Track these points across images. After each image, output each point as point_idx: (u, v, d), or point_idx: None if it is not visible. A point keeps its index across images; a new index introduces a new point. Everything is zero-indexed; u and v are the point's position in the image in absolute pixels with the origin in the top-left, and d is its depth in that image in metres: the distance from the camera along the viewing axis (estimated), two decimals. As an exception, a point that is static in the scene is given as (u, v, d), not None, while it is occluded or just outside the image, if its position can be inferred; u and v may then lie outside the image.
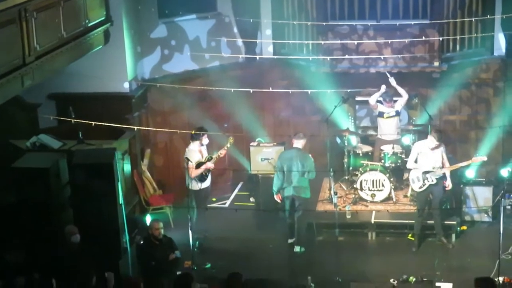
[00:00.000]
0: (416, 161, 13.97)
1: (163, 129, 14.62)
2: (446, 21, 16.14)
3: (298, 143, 14.06)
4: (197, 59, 16.55)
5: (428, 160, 13.82)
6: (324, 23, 16.20)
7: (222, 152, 14.28)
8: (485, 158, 14.08)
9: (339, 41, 15.92)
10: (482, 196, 14.85)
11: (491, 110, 16.95)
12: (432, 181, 13.82)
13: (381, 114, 15.76)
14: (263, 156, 15.64)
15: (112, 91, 14.94)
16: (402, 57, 16.19)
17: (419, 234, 14.19)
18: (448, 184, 13.97)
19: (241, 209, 15.02)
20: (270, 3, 17.12)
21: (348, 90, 15.35)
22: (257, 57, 16.68)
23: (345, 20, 16.39)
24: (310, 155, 14.10)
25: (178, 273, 11.59)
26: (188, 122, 15.78)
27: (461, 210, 14.87)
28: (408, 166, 14.11)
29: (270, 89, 14.67)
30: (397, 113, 15.75)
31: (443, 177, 13.92)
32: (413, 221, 14.32)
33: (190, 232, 13.32)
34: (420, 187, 13.92)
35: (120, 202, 12.80)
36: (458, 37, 16.41)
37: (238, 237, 14.74)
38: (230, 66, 16.82)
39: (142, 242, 12.77)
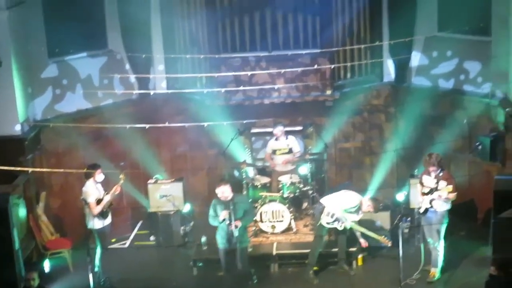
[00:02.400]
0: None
1: (57, 169, 14.26)
2: (336, 49, 16.39)
3: None
4: (90, 98, 16.35)
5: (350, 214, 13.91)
6: (216, 56, 16.22)
7: (118, 188, 14.12)
8: (390, 244, 14.15)
9: (231, 73, 15.86)
10: (380, 220, 15.02)
11: (384, 135, 17.28)
12: (340, 227, 13.86)
13: (274, 152, 15.92)
14: (162, 193, 15.54)
15: (3, 134, 14.57)
16: (295, 87, 16.37)
17: (315, 264, 14.20)
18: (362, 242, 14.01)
19: (142, 248, 14.89)
20: (162, 38, 17.08)
21: (244, 121, 15.29)
22: (151, 92, 16.54)
23: (237, 52, 16.48)
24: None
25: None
26: (84, 162, 15.45)
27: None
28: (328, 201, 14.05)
29: (167, 124, 14.55)
30: (290, 151, 15.90)
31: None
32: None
33: (90, 274, 13.02)
34: (327, 223, 13.87)
35: (17, 248, 12.48)
36: (348, 64, 16.64)
37: (141, 277, 14.50)
38: (124, 103, 16.68)
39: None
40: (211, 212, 13.11)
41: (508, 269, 11.08)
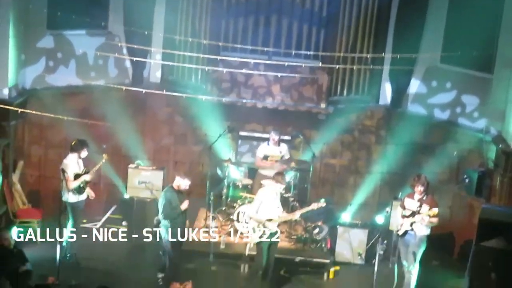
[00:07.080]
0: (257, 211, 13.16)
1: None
2: (336, 66, 16.09)
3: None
4: (82, 75, 16.10)
5: (269, 207, 13.15)
6: (216, 56, 15.85)
7: (98, 167, 13.93)
8: (323, 204, 13.42)
9: (228, 69, 15.47)
10: (356, 238, 14.77)
11: (371, 157, 17.10)
12: (271, 229, 13.12)
13: (265, 157, 15.65)
14: (141, 179, 15.27)
15: (-10, 96, 14.34)
16: (290, 96, 16.19)
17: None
18: None
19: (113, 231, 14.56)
20: (163, 29, 16.78)
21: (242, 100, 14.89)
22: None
23: (237, 52, 16.25)
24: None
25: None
26: (66, 138, 15.21)
27: (335, 250, 14.76)
28: (250, 215, 13.39)
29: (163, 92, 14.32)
30: (282, 159, 15.66)
31: None
32: (288, 256, 14.21)
33: (58, 246, 12.67)
34: (261, 237, 13.16)
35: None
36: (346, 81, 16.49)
37: (107, 258, 14.14)
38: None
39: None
40: (165, 202, 12.85)
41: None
